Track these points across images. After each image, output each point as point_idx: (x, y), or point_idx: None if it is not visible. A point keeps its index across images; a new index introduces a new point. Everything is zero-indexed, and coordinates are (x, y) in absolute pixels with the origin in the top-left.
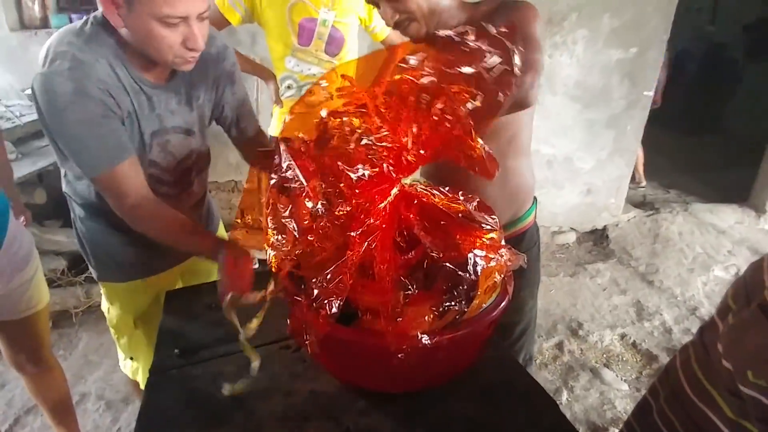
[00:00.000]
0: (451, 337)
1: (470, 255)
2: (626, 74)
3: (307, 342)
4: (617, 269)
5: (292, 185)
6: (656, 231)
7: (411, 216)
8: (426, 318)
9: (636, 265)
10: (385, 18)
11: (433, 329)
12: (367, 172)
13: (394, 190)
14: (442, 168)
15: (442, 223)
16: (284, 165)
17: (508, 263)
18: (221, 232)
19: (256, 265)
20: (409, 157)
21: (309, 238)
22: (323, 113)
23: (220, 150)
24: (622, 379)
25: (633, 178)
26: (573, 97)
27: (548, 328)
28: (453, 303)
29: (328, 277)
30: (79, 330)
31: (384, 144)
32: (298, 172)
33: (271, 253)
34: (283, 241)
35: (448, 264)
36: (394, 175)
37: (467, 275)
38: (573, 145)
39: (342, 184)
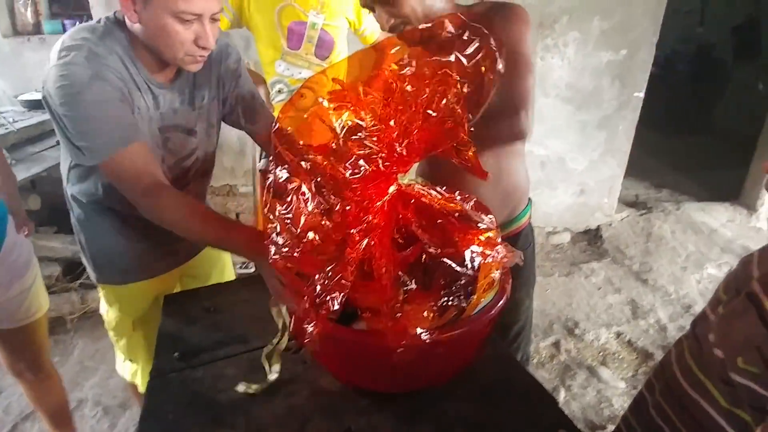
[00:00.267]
0: (451, 335)
1: (468, 251)
2: (617, 76)
3: (308, 341)
4: (611, 268)
5: (289, 185)
6: (649, 230)
7: (408, 215)
8: (425, 315)
9: (630, 264)
10: (380, 22)
11: (432, 326)
12: (361, 168)
13: (392, 188)
14: (438, 168)
15: (439, 222)
16: (280, 164)
17: (505, 260)
18: None
19: None
20: (401, 150)
21: (309, 236)
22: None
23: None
24: (618, 377)
25: None
26: (565, 99)
27: (544, 327)
28: (452, 299)
29: (329, 274)
30: (74, 336)
31: (375, 138)
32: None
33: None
34: (283, 241)
35: (446, 260)
36: (388, 169)
37: (465, 270)
38: (566, 146)
39: (337, 182)
